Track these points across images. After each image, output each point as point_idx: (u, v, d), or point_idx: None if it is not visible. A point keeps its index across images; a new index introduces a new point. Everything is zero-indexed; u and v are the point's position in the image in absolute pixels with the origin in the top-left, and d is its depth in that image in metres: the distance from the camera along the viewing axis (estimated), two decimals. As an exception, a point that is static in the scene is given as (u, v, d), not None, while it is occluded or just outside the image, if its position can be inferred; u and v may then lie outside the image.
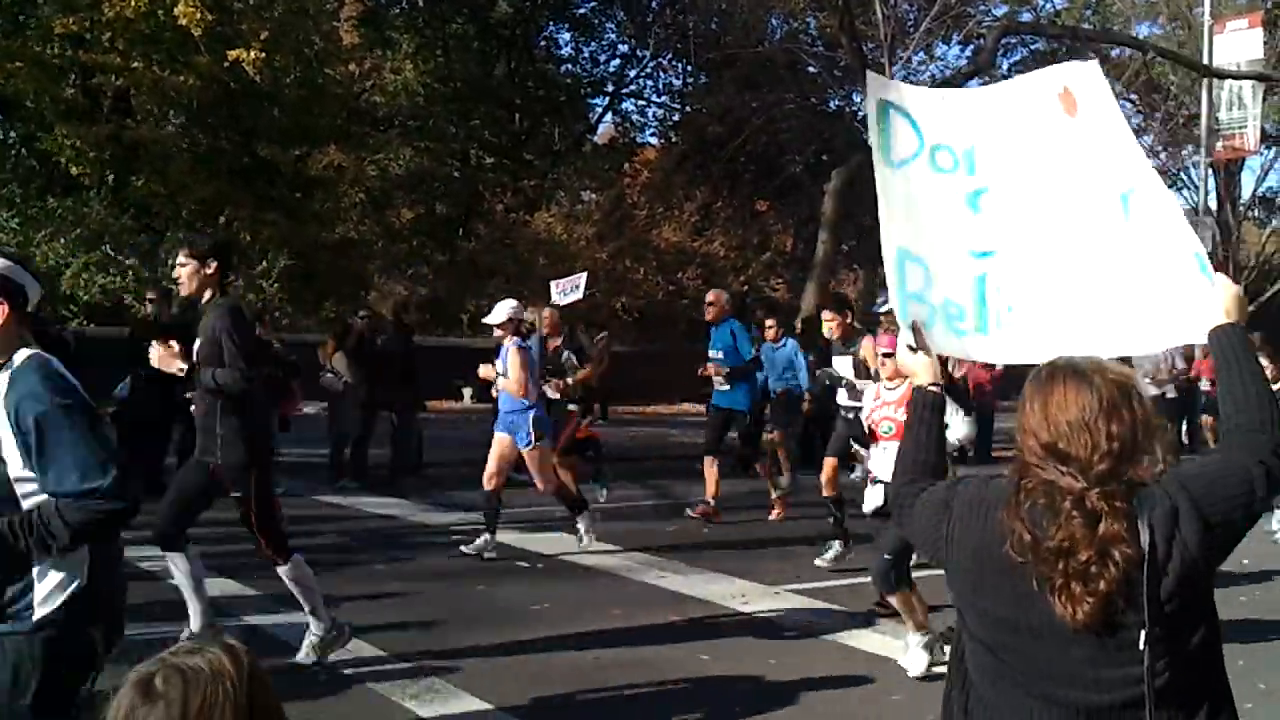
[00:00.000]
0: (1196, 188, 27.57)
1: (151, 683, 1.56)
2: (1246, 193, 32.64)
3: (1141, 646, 2.11)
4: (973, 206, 3.11)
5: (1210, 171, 25.90)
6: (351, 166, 24.73)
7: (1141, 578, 2.11)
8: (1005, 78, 30.80)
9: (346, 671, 5.85)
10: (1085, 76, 3.07)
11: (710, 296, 11.35)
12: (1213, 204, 28.55)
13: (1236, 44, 20.97)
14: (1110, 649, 2.15)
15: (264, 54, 19.31)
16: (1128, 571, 2.12)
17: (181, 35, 19.05)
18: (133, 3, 18.69)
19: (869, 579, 7.99)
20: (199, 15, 18.67)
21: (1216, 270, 2.69)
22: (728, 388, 10.87)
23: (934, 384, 2.81)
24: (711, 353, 10.95)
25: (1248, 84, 20.96)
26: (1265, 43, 22.49)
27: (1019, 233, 3.06)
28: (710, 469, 10.94)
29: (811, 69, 29.37)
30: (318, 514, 10.46)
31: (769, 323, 12.11)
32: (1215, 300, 2.59)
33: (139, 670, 1.58)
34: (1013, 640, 2.27)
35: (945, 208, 3.13)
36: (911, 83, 24.92)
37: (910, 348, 2.94)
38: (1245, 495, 2.24)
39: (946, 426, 3.01)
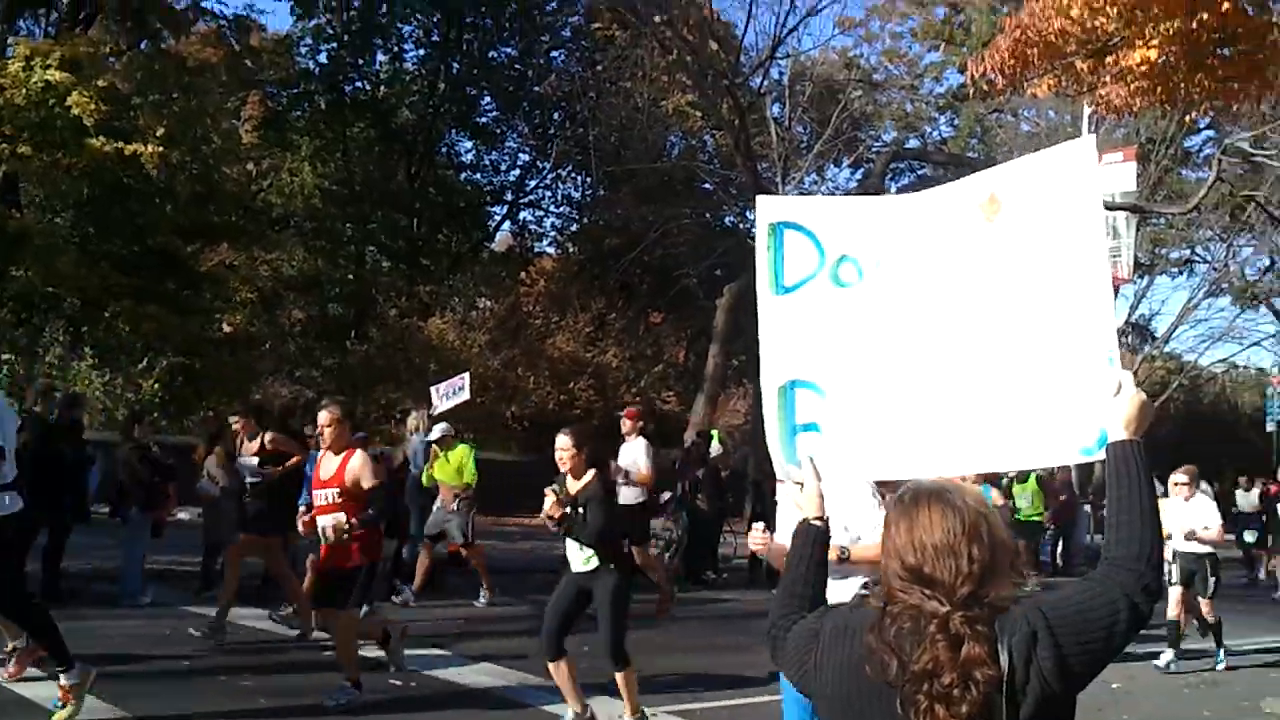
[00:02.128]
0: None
1: None
2: (1121, 319, 33.95)
3: None
4: (873, 320, 3.10)
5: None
6: (243, 265, 24.50)
7: (1001, 701, 2.13)
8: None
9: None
10: (1024, 175, 2.98)
11: None
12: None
13: (1112, 176, 21.84)
14: None
15: (161, 148, 19.13)
16: (988, 695, 2.13)
17: (74, 125, 18.78)
18: (23, 90, 18.40)
19: (748, 700, 7.99)
20: (93, 107, 18.47)
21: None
22: None
23: (818, 517, 2.81)
24: None
25: (1122, 214, 21.91)
26: (1139, 175, 23.56)
27: (915, 347, 3.04)
28: None
29: (708, 186, 30.07)
30: (186, 625, 10.06)
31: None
32: (1117, 410, 2.50)
33: None
34: None
35: (846, 323, 3.11)
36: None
37: (797, 484, 2.93)
38: (1106, 629, 2.24)
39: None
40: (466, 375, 15.06)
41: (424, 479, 12.36)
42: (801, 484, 2.92)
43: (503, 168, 33.60)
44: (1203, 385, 38.70)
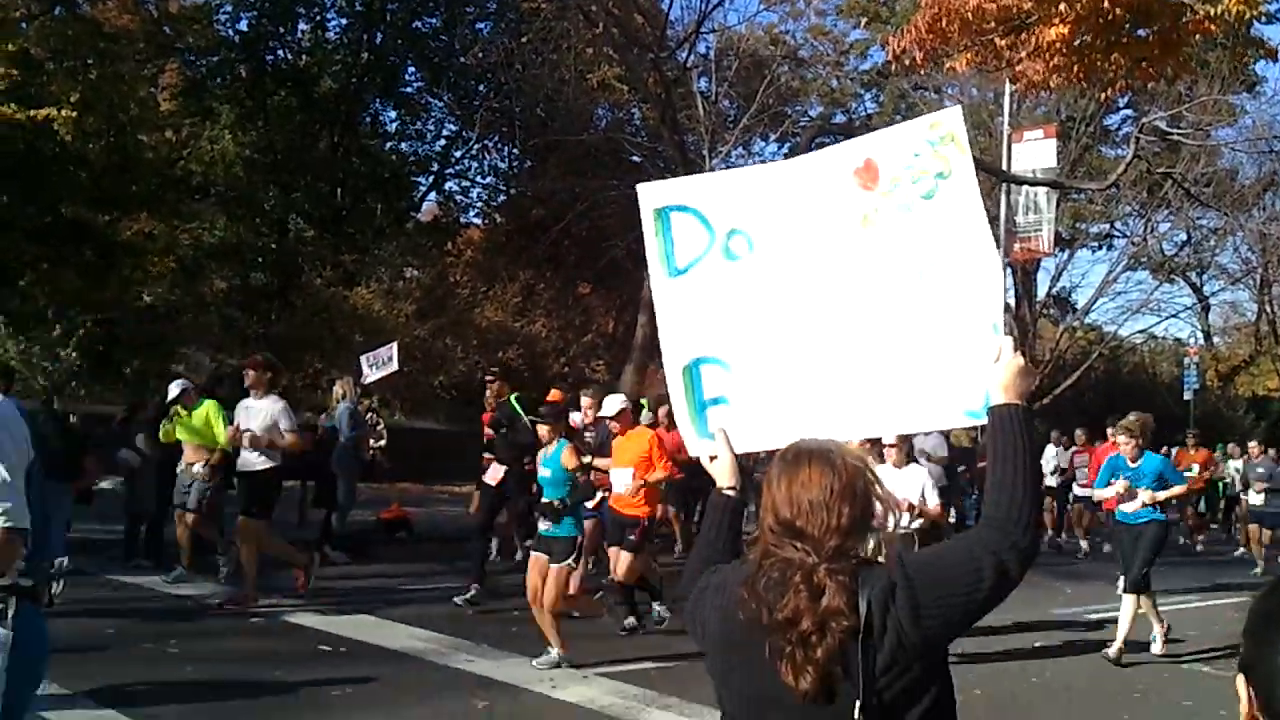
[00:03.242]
0: (997, 286, 29.38)
1: None
2: (1042, 291, 34.72)
3: (856, 716, 2.18)
4: (766, 290, 3.13)
5: (1009, 271, 27.56)
6: (163, 234, 24.06)
7: (857, 650, 2.20)
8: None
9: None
10: (898, 143, 3.06)
11: None
12: (1011, 301, 30.31)
13: (1033, 153, 22.29)
14: (828, 718, 2.22)
15: (75, 115, 18.65)
16: (844, 643, 2.20)
17: (-18, 90, 18.25)
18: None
19: (680, 662, 8.14)
20: (3, 71, 17.99)
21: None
22: None
23: (731, 486, 2.86)
24: None
25: (1042, 190, 22.35)
26: (1059, 152, 24.03)
27: (807, 315, 3.08)
28: None
29: (635, 158, 30.05)
30: (110, 594, 10.00)
31: None
32: (996, 375, 2.55)
33: None
34: (755, 714, 2.36)
35: (742, 296, 3.14)
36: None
37: (711, 457, 2.97)
38: (968, 586, 2.29)
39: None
40: (394, 345, 15.01)
41: (161, 435, 11.11)
42: (715, 457, 2.95)
43: (428, 137, 33.18)
44: (1123, 355, 39.67)
